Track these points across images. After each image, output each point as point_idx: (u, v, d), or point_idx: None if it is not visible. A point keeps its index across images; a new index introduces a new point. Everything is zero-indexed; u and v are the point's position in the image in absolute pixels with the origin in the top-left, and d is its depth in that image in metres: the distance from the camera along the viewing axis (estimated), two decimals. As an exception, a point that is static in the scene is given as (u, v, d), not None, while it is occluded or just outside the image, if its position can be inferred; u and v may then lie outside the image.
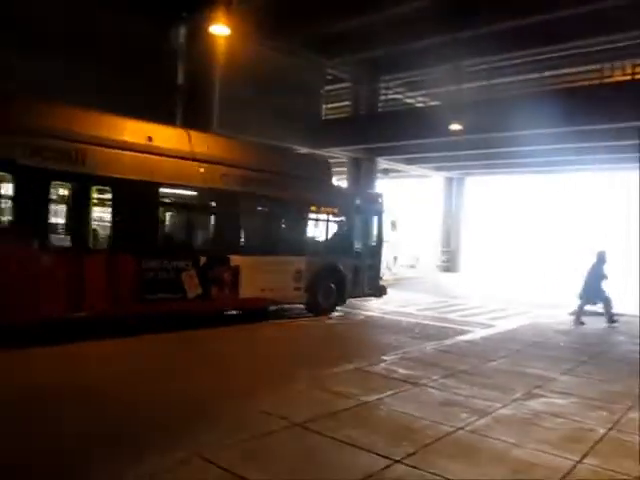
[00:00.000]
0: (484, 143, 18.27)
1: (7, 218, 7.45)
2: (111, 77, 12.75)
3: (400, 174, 25.94)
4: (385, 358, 6.90)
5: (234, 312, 10.31)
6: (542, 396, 5.52)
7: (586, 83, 16.53)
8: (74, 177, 7.61)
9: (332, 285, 11.24)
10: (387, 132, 17.54)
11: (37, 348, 6.79)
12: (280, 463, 3.71)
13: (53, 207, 7.94)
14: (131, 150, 8.14)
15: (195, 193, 9.35)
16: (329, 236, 11.52)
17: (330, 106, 21.21)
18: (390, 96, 20.73)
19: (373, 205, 12.42)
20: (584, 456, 3.99)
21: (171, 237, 9.42)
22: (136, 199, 8.14)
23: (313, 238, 11.53)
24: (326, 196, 11.45)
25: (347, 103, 21.20)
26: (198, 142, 9.21)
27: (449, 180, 26.81)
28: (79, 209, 7.83)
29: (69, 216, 8.10)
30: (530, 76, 18.25)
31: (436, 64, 17.42)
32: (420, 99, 20.24)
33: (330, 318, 10.94)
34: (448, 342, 8.38)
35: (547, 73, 17.85)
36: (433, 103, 19.38)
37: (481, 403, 5.14)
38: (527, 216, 33.14)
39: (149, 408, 4.78)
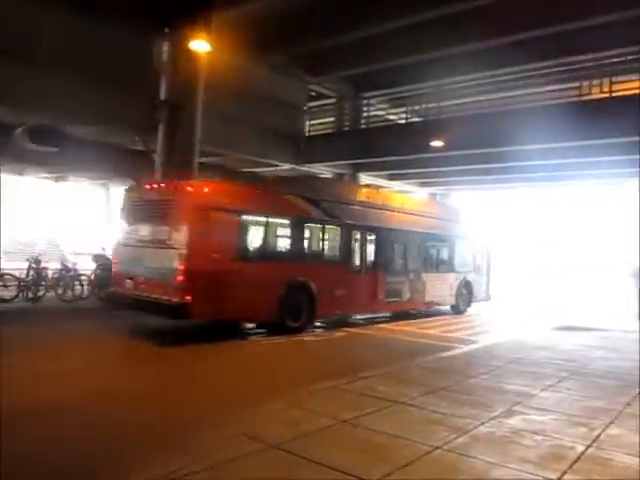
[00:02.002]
0: (468, 159, 18.43)
1: (334, 254, 12.54)
2: (94, 92, 12.73)
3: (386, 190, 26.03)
4: (365, 375, 6.82)
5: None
6: (522, 413, 5.46)
7: (571, 99, 16.76)
8: (360, 228, 12.90)
9: (466, 292, 16.41)
10: (370, 148, 17.63)
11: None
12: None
13: (352, 246, 12.73)
14: (374, 209, 13.52)
15: (407, 233, 14.28)
16: (465, 259, 16.64)
17: (314, 122, 21.29)
18: (373, 112, 20.86)
19: (484, 238, 17.77)
20: (563, 474, 3.93)
21: (398, 261, 14.14)
22: (381, 238, 13.44)
23: (457, 261, 16.26)
24: (461, 231, 16.50)
25: (331, 119, 21.31)
26: (403, 201, 15.13)
27: (433, 196, 26.93)
28: (361, 246, 12.92)
29: (357, 250, 12.83)
30: (514, 93, 18.49)
31: (419, 81, 17.63)
32: (403, 115, 20.35)
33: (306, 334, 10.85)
34: (429, 358, 8.30)
35: (530, 90, 18.09)
36: (415, 119, 19.50)
37: (461, 421, 5.07)
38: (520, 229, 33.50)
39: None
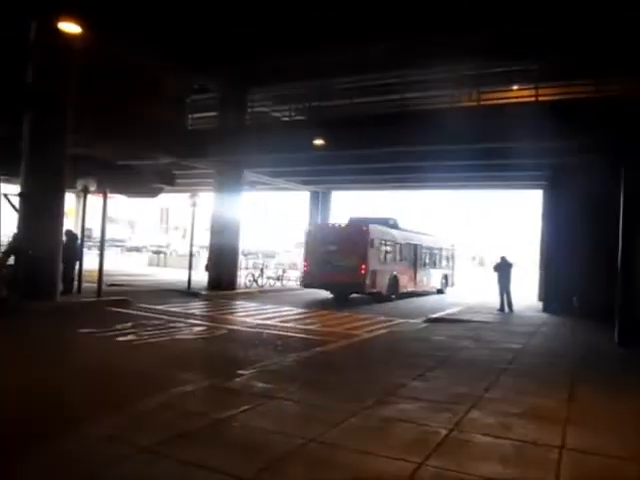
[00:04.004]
0: (348, 159, 18.93)
1: (413, 261, 22.28)
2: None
3: (269, 186, 26.06)
4: (242, 372, 6.76)
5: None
6: (393, 403, 5.70)
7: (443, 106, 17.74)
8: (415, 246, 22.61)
9: (445, 281, 25.95)
10: (253, 145, 17.50)
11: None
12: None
13: (414, 254, 22.28)
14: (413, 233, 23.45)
15: (422, 248, 23.40)
16: (443, 261, 26.26)
17: (197, 116, 20.76)
18: (257, 109, 20.75)
19: (452, 247, 27.84)
20: (427, 457, 4.15)
21: (420, 263, 23.17)
22: (414, 251, 22.48)
23: (441, 262, 25.87)
24: (442, 244, 26.39)
25: (214, 114, 20.88)
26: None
27: (315, 194, 27.39)
28: (415, 255, 22.41)
29: (412, 256, 22.12)
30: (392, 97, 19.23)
31: (303, 80, 17.78)
32: (286, 113, 20.46)
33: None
34: (306, 354, 8.43)
35: (409, 95, 18.85)
36: (299, 118, 19.68)
37: (334, 414, 5.18)
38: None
39: None
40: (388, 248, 20.09)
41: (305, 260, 19.50)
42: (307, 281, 19.49)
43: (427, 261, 23.69)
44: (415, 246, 22.44)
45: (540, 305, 16.82)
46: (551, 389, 6.59)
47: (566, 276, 14.94)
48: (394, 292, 19.81)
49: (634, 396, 6.38)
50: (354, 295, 19.47)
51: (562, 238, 15.58)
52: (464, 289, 27.72)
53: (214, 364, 8.15)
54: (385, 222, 21.06)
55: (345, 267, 17.99)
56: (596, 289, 13.89)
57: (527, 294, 20.47)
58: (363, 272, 17.96)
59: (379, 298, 18.84)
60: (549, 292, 16.64)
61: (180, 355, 8.60)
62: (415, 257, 22.33)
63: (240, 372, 6.84)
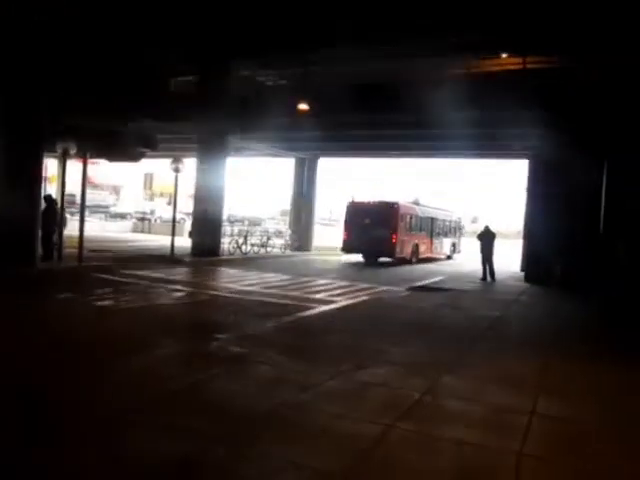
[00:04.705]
0: (334, 125, 18.74)
1: (430, 231, 26.19)
2: None
3: (254, 152, 25.80)
4: (220, 337, 6.77)
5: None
6: (369, 367, 5.74)
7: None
8: (432, 219, 26.56)
9: (453, 248, 29.22)
10: (239, 111, 17.21)
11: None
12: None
13: (431, 226, 26.21)
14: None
15: (436, 220, 27.25)
16: (452, 230, 29.45)
17: (181, 79, 20.35)
18: (242, 74, 20.31)
19: (460, 221, 31.59)
20: (397, 420, 4.19)
21: (435, 233, 27.06)
22: (431, 223, 26.42)
23: (450, 232, 29.17)
24: (452, 219, 29.91)
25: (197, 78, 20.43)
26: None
27: (301, 160, 27.14)
28: (431, 227, 26.28)
29: (429, 228, 26.02)
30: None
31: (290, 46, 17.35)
32: (271, 78, 20.09)
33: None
34: (287, 319, 8.45)
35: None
36: (282, 82, 19.34)
37: (309, 378, 5.20)
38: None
39: None
40: (412, 221, 24.13)
41: (345, 230, 23.34)
42: (347, 247, 23.32)
43: (440, 232, 27.44)
44: (431, 219, 26.36)
45: (522, 275, 16.98)
46: (526, 357, 6.68)
47: (547, 246, 15.04)
48: (415, 257, 23.85)
49: (608, 366, 6.47)
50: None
51: (544, 208, 15.63)
52: (467, 256, 27.90)
53: (192, 329, 8.14)
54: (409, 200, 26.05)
55: (378, 236, 21.86)
56: (577, 260, 14.02)
57: (511, 264, 20.67)
58: (394, 241, 22.14)
59: (403, 262, 22.90)
60: (530, 262, 16.78)
61: (158, 320, 8.56)
62: (431, 228, 26.28)
63: (218, 336, 6.85)
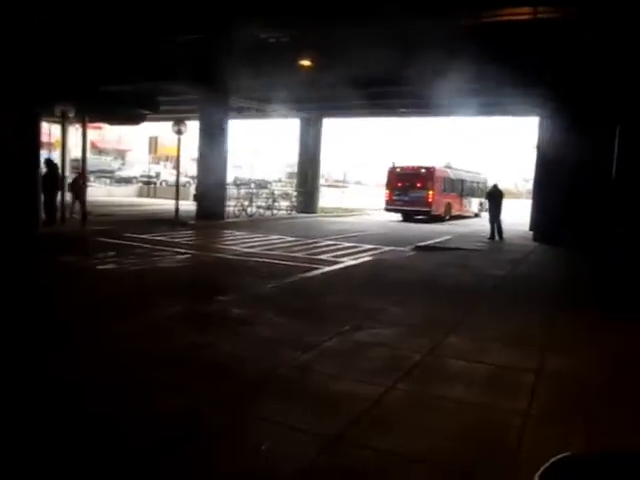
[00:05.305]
0: (339, 83, 18.19)
1: (460, 192, 29.00)
2: None
3: (257, 113, 25.33)
4: (221, 299, 6.66)
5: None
6: (370, 327, 5.62)
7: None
8: (462, 181, 29.25)
9: (481, 207, 29.31)
10: (238, 68, 16.74)
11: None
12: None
13: (461, 187, 29.24)
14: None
15: (466, 181, 29.94)
16: (480, 191, 29.70)
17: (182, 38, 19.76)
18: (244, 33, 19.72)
19: (486, 181, 30.99)
20: (397, 381, 4.08)
21: (465, 193, 29.64)
22: (462, 185, 29.28)
23: (478, 192, 30.18)
24: (479, 180, 31.56)
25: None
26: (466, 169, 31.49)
27: (306, 120, 26.65)
28: (462, 187, 29.08)
29: (460, 189, 28.87)
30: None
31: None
32: (274, 35, 19.48)
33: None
34: (289, 280, 8.32)
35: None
36: (285, 39, 18.77)
37: (309, 338, 5.09)
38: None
39: None
40: (445, 183, 26.78)
41: (387, 190, 26.41)
42: (388, 207, 26.37)
43: (469, 192, 29.88)
44: (462, 181, 29.01)
45: (531, 234, 16.74)
46: (532, 315, 6.53)
47: (556, 205, 14.72)
48: (448, 215, 26.37)
49: (616, 324, 6.32)
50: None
51: (553, 168, 15.22)
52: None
53: (194, 290, 8.07)
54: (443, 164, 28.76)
55: (417, 197, 25.15)
56: (587, 220, 13.71)
57: (521, 223, 20.38)
58: (430, 201, 24.98)
59: (437, 219, 25.05)
60: (539, 222, 16.50)
61: (160, 282, 8.50)
62: (461, 189, 28.90)
63: (219, 298, 6.75)
